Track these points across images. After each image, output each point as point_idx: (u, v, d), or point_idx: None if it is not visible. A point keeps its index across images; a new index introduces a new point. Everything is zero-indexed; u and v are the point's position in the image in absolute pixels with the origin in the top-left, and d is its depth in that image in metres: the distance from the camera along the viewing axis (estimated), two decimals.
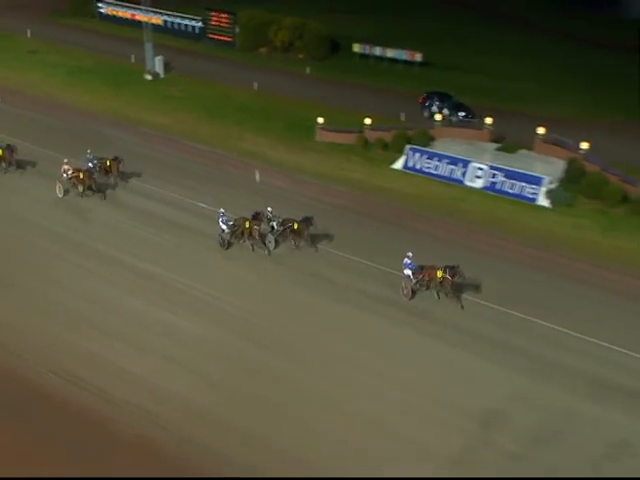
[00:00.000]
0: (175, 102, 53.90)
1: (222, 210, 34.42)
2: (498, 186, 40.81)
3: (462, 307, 30.78)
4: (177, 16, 69.19)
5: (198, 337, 29.07)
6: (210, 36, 67.44)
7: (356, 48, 62.14)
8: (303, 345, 28.77)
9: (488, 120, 45.32)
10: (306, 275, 32.90)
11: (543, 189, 39.57)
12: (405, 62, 59.83)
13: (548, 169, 40.80)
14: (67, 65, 61.16)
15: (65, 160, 38.81)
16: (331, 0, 73.17)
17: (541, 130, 43.31)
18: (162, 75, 58.87)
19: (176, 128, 49.26)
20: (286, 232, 35.01)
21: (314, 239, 34.98)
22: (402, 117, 48.94)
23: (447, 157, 42.87)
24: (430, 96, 50.69)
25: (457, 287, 30.85)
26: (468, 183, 41.72)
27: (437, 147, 44.32)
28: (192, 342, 28.74)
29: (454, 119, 47.53)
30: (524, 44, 61.71)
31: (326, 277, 32.67)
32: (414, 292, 31.31)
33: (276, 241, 34.93)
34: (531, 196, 39.72)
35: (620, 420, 25.54)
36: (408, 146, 44.15)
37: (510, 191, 40.40)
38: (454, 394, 26.35)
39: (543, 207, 39.22)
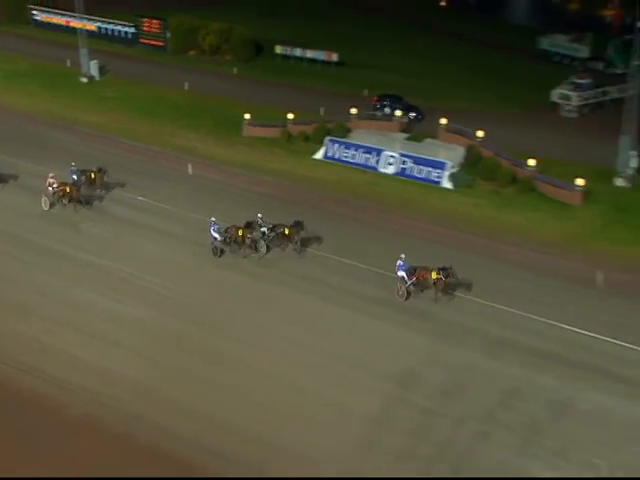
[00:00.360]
0: (110, 103, 53.08)
1: (213, 219, 32.83)
2: (408, 171, 41.60)
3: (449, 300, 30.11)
4: (110, 22, 67.80)
5: (141, 322, 29.08)
6: (142, 41, 66.32)
7: (278, 50, 62.12)
8: (237, 324, 28.95)
9: (398, 113, 46.21)
10: (239, 259, 33.08)
11: (446, 173, 40.52)
12: (323, 62, 60.01)
13: (450, 155, 41.75)
14: (3, 70, 59.41)
15: (50, 174, 36.66)
16: (255, 6, 72.71)
17: (444, 121, 44.31)
18: (97, 78, 57.85)
19: (112, 127, 48.57)
20: (277, 237, 33.63)
21: (304, 242, 33.80)
22: (321, 112, 49.18)
23: (362, 147, 43.42)
24: (382, 98, 49.77)
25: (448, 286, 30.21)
26: (381, 169, 42.34)
27: (353, 138, 44.81)
28: (136, 327, 28.75)
29: (405, 119, 47.25)
30: (429, 46, 62.59)
31: (256, 259, 32.88)
32: (409, 293, 30.33)
33: (267, 246, 33.54)
34: (436, 179, 40.64)
35: (514, 372, 26.43)
36: (327, 138, 44.56)
37: (418, 175, 41.24)
38: (371, 359, 26.90)
39: (447, 189, 40.18)
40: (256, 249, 33.28)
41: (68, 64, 59.88)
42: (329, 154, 44.16)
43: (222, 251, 33.20)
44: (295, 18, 70.11)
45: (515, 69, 55.22)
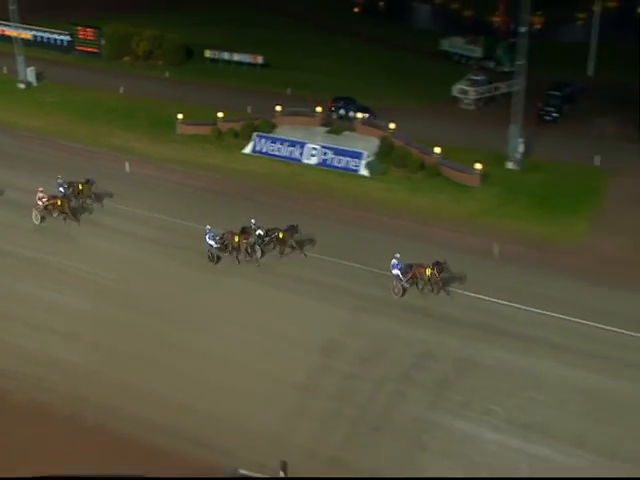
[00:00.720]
0: (48, 107, 51.64)
1: (208, 227, 31.36)
2: (329, 162, 41.86)
3: (450, 296, 29.28)
4: (46, 31, 65.64)
5: (82, 311, 28.62)
6: (78, 48, 64.51)
7: (207, 54, 61.46)
8: (175, 308, 28.73)
9: (319, 109, 46.16)
10: (179, 249, 32.62)
11: (363, 162, 40.93)
12: (249, 64, 59.64)
13: (366, 146, 42.08)
14: None
15: (40, 189, 34.50)
16: (185, 14, 71.82)
17: (360, 115, 44.71)
18: (35, 84, 56.10)
19: (50, 130, 47.35)
20: (272, 241, 32.21)
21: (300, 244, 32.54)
22: (249, 110, 48.95)
23: (287, 140, 43.42)
24: (337, 101, 48.90)
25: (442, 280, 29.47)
26: (305, 161, 42.47)
27: (279, 133, 44.73)
28: (77, 315, 28.32)
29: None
30: (345, 48, 62.74)
31: (198, 249, 32.24)
32: (404, 290, 29.59)
33: (262, 250, 32.07)
34: (354, 168, 41.03)
35: (426, 337, 27.14)
36: (255, 133, 44.37)
37: (338, 165, 41.55)
38: (297, 333, 27.17)
39: (364, 176, 40.57)
40: (250, 254, 31.65)
41: (5, 71, 58.05)
42: (257, 148, 44.03)
43: (218, 257, 31.66)
44: (223, 25, 69.56)
45: (420, 68, 56.05)
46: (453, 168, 39.68)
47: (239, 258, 31.53)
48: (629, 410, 23.80)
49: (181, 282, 30.46)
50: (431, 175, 39.78)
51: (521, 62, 39.73)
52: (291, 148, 43.10)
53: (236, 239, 31.07)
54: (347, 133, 44.39)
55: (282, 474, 20.71)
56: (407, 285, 29.47)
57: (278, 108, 46.21)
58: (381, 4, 75.02)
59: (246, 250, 31.28)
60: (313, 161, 42.28)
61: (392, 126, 42.77)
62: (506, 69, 50.72)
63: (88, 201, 35.92)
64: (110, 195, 36.57)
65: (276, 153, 43.41)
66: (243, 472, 21.47)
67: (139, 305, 28.89)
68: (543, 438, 22.84)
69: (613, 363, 25.74)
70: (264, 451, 22.05)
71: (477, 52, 57.02)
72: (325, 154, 42.03)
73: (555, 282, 29.00)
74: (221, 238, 31.25)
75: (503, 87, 48.32)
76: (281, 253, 32.10)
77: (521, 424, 23.36)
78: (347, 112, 47.30)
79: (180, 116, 46.65)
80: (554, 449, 22.51)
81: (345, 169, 41.17)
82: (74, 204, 35.21)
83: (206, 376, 25.18)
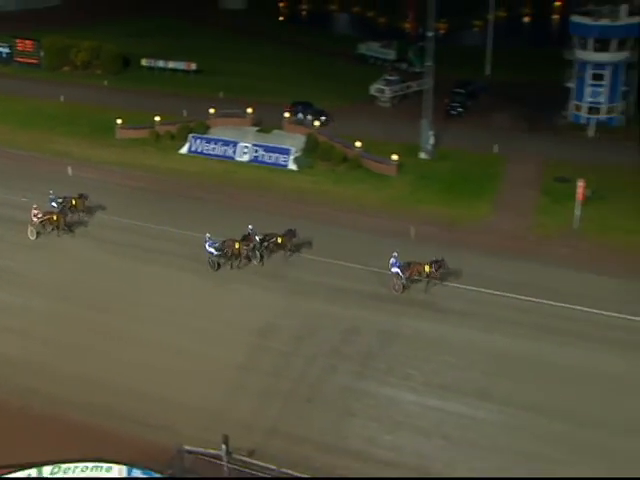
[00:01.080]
0: None
1: (208, 235, 29.89)
2: (260, 158, 41.54)
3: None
4: None
5: (29, 308, 27.73)
6: (17, 59, 61.67)
7: (144, 62, 59.94)
8: (118, 300, 28.14)
9: (249, 110, 45.73)
10: (119, 245, 31.86)
11: (291, 157, 40.78)
12: (183, 71, 58.49)
13: (294, 142, 41.99)
14: None
15: (34, 206, 32.50)
16: (121, 26, 69.95)
17: (287, 114, 44.57)
18: None
19: None
20: (270, 246, 30.73)
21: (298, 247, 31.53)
22: (184, 113, 48.00)
23: (221, 140, 42.88)
24: (295, 105, 47.67)
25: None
26: (238, 158, 41.98)
27: (213, 133, 44.16)
28: (24, 313, 27.42)
29: (316, 122, 45.34)
30: (272, 53, 62.19)
31: (138, 245, 31.81)
32: (404, 287, 28.67)
33: (261, 255, 30.56)
34: (283, 163, 40.83)
35: (353, 314, 27.31)
36: (190, 135, 43.64)
37: (269, 161, 41.26)
38: (236, 317, 26.95)
39: (292, 170, 40.42)
40: (249, 259, 30.31)
41: None
42: (193, 149, 43.33)
43: (219, 265, 30.14)
44: (157, 35, 68.06)
45: (341, 70, 56.13)
46: (372, 160, 39.93)
47: (234, 264, 30.19)
48: (531, 367, 24.53)
49: (124, 276, 29.76)
50: (353, 167, 39.93)
51: (430, 63, 40.34)
52: (224, 147, 42.57)
53: (237, 246, 29.70)
54: (276, 131, 44.16)
55: (224, 447, 20.58)
56: (407, 283, 28.54)
57: (211, 111, 45.57)
58: (304, 13, 74.84)
59: (246, 256, 30.02)
60: (245, 158, 41.83)
61: (317, 124, 42.84)
62: (417, 70, 51.22)
63: (81, 215, 34.07)
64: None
65: (211, 152, 42.79)
66: (188, 448, 21.22)
67: (75, 299, 28.07)
68: (456, 396, 23.42)
69: (516, 326, 26.50)
70: (207, 427, 21.83)
71: (391, 55, 57.46)
72: (256, 151, 41.68)
73: (463, 257, 29.53)
74: (221, 246, 29.75)
75: (414, 86, 48.83)
76: (290, 255, 30.77)
77: (437, 385, 23.88)
78: (305, 115, 46.77)
79: (119, 121, 45.46)
80: (465, 404, 23.13)
81: (275, 164, 40.91)
82: (69, 218, 33.40)
83: (151, 362, 24.76)
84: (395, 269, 28.32)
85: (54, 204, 33.52)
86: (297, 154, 41.09)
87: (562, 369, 24.39)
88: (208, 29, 71.68)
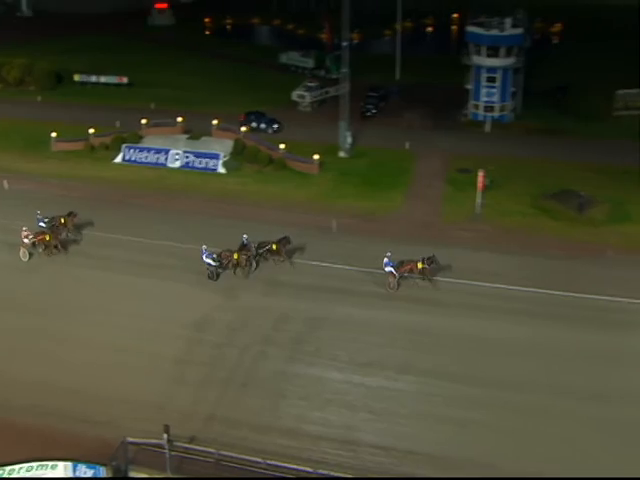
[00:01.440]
0: None
1: (204, 247, 28.36)
2: (191, 164, 40.66)
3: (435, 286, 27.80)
4: None
5: None
6: None
7: (76, 78, 57.53)
8: (53, 304, 27.00)
9: (180, 119, 44.66)
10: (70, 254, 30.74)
11: (220, 161, 40.07)
12: (115, 84, 56.52)
13: (222, 147, 41.30)
14: None
15: (24, 228, 30.31)
16: (54, 43, 67.12)
17: (215, 122, 43.69)
18: None
19: None
20: (264, 253, 29.32)
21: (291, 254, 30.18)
22: (117, 124, 46.48)
23: (153, 149, 41.75)
24: (249, 114, 46.35)
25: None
26: (170, 165, 40.98)
27: (145, 142, 42.95)
28: None
29: (269, 131, 45.11)
30: (200, 65, 60.87)
31: (91, 254, 30.53)
32: (399, 284, 27.97)
33: (257, 263, 29.24)
34: (213, 167, 40.10)
35: (284, 304, 27.11)
36: (124, 145, 42.29)
37: (199, 166, 40.43)
38: (173, 314, 26.29)
39: (222, 173, 39.70)
40: (248, 267, 28.88)
41: None
42: (126, 158, 42.00)
43: (218, 275, 28.65)
44: (90, 52, 65.57)
45: (265, 78, 55.60)
46: (296, 160, 39.71)
47: (239, 272, 28.85)
48: (445, 340, 24.98)
49: (60, 281, 28.64)
50: (278, 168, 39.60)
51: (345, 70, 40.37)
52: (157, 155, 41.47)
53: (235, 256, 28.37)
54: (205, 138, 43.26)
55: (165, 436, 20.05)
56: (400, 280, 27.85)
57: (143, 121, 44.31)
58: (228, 27, 73.81)
59: (245, 264, 28.63)
60: (177, 165, 40.87)
61: (243, 129, 42.29)
62: (334, 76, 51.27)
63: (69, 234, 31.88)
64: None
65: (144, 160, 41.60)
66: (131, 440, 20.59)
67: (29, 308, 26.69)
68: (378, 371, 23.62)
69: (432, 305, 26.90)
70: (148, 419, 21.30)
71: (310, 63, 57.32)
72: (187, 157, 40.78)
73: (380, 245, 29.64)
74: (218, 256, 28.38)
75: (332, 91, 48.86)
76: (291, 261, 29.55)
77: (360, 363, 23.99)
78: (259, 124, 45.77)
79: (54, 135, 43.57)
80: (386, 378, 23.38)
81: (205, 169, 40.11)
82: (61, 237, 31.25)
83: (89, 361, 23.93)
84: (389, 268, 27.63)
85: (42, 224, 31.22)
86: (226, 158, 40.40)
87: (471, 340, 24.93)
88: (138, 45, 69.61)
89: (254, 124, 45.56)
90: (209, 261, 28.34)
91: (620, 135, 42.40)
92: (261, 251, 29.23)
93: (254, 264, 29.23)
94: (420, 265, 27.67)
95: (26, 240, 30.20)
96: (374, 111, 47.65)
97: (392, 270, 27.70)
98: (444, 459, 20.25)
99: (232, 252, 28.47)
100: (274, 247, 29.23)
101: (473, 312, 26.31)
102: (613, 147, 40.89)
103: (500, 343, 24.71)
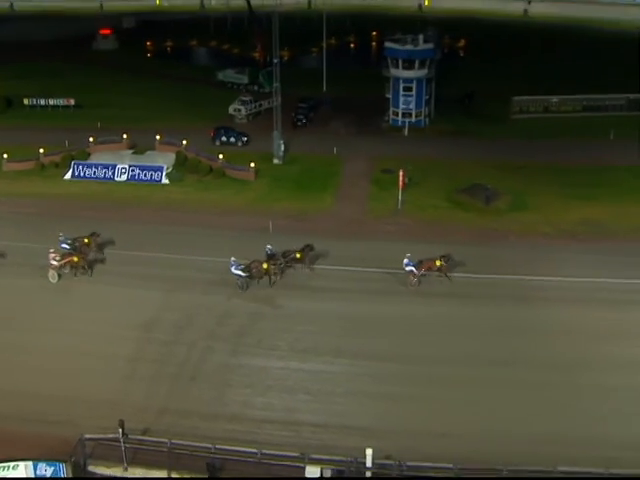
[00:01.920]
0: None
1: (233, 259, 26.99)
2: (137, 177, 39.47)
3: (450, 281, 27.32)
4: None
5: None
6: None
7: (26, 102, 54.68)
8: (14, 316, 25.72)
9: (125, 136, 43.38)
10: (14, 266, 28.87)
11: (164, 173, 39.14)
12: (64, 106, 54.24)
13: (165, 160, 40.37)
14: None
15: (51, 250, 28.34)
16: (2, 70, 63.67)
17: (158, 137, 42.66)
18: None
19: None
20: (290, 262, 27.94)
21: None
22: (66, 144, 44.48)
23: (100, 164, 40.32)
24: (218, 129, 44.62)
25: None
26: (117, 179, 39.67)
27: (93, 159, 41.50)
28: None
29: (239, 143, 43.47)
30: (143, 86, 58.82)
31: (28, 263, 28.87)
32: (419, 282, 27.40)
33: (282, 271, 27.75)
34: (157, 179, 39.09)
35: (224, 301, 26.66)
36: (73, 162, 40.70)
37: (145, 178, 39.32)
38: (122, 317, 25.59)
39: (166, 184, 38.70)
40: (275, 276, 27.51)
41: None
42: (76, 174, 40.39)
43: (248, 285, 27.20)
44: (38, 77, 62.72)
45: (203, 95, 54.49)
46: (234, 169, 39.18)
47: (269, 281, 27.52)
48: (373, 325, 25.24)
49: (19, 294, 27.31)
50: (218, 176, 38.97)
51: (277, 84, 40.16)
52: (104, 170, 40.09)
53: (265, 266, 26.95)
54: (149, 152, 42.11)
55: (120, 430, 19.52)
56: (421, 278, 27.36)
57: (91, 139, 42.74)
58: (169, 49, 72.19)
59: (273, 273, 27.26)
60: (123, 178, 39.64)
61: (184, 142, 41.43)
62: (267, 90, 50.86)
63: (93, 253, 29.85)
64: None
65: (92, 176, 40.13)
66: (88, 436, 19.94)
67: None
68: (314, 357, 23.67)
69: (359, 293, 27.03)
70: (104, 416, 20.60)
71: (244, 79, 56.54)
72: (133, 171, 39.61)
73: (313, 242, 29.52)
74: (247, 267, 26.91)
75: (266, 104, 48.52)
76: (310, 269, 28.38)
77: (298, 350, 23.98)
78: (228, 138, 44.26)
79: (5, 156, 41.47)
80: (322, 362, 23.46)
81: (150, 181, 39.08)
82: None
83: (46, 365, 23.01)
84: (409, 267, 27.17)
85: (65, 245, 29.26)
86: (169, 170, 39.48)
87: (396, 322, 25.29)
88: (84, 68, 67.14)
89: (224, 138, 44.51)
90: (239, 272, 26.84)
91: (517, 135, 43.96)
92: (286, 259, 27.96)
93: (278, 272, 27.74)
94: (438, 263, 27.25)
95: (54, 262, 28.13)
96: (304, 121, 47.61)
97: (413, 269, 27.23)
98: (374, 430, 20.47)
99: (261, 262, 27.10)
100: (298, 255, 28.06)
101: (397, 297, 26.73)
102: (512, 146, 42.34)
103: (422, 322, 25.19)
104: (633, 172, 37.80)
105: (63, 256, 28.52)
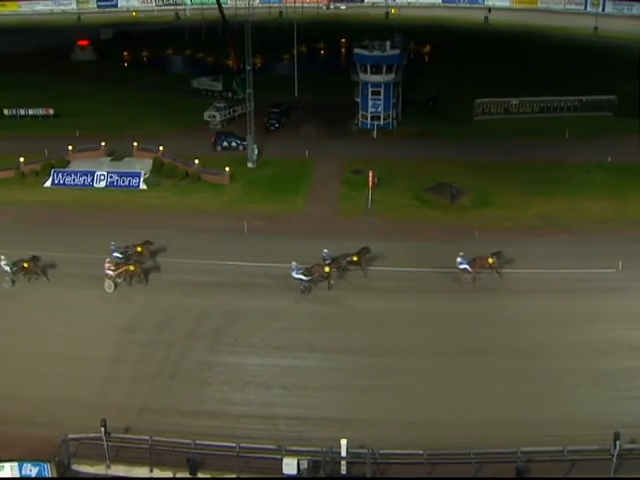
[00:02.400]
0: None
1: (294, 263, 26.28)
2: (115, 183, 38.74)
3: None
4: None
5: None
6: None
7: (6, 112, 52.94)
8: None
9: (103, 143, 42.56)
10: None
11: (142, 179, 38.56)
12: (43, 116, 52.78)
13: (143, 166, 39.71)
14: None
15: (107, 260, 27.51)
16: None
17: (135, 144, 41.99)
18: None
19: None
20: (347, 264, 27.18)
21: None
22: (46, 152, 43.39)
23: (80, 172, 39.47)
24: (219, 135, 43.85)
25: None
26: (96, 185, 38.87)
27: (73, 166, 40.62)
28: None
29: (241, 147, 42.26)
30: (122, 94, 57.59)
31: None
32: (474, 279, 26.99)
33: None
34: (135, 185, 38.38)
35: (203, 301, 26.45)
36: (53, 170, 39.87)
37: (123, 184, 38.61)
38: (102, 320, 25.20)
39: (143, 190, 38.04)
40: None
41: None
42: (55, 182, 39.49)
43: (310, 289, 26.54)
44: (17, 88, 61.13)
45: (179, 102, 53.67)
46: (209, 173, 38.75)
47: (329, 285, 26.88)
48: (345, 320, 25.34)
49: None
50: (194, 181, 38.49)
51: (250, 91, 39.81)
52: (83, 177, 39.32)
53: (327, 269, 26.29)
54: (127, 159, 41.44)
55: (102, 429, 19.25)
56: (476, 275, 27.04)
57: (70, 147, 41.87)
58: (145, 59, 71.20)
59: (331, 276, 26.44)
60: (102, 184, 38.92)
61: (161, 148, 40.86)
62: (240, 97, 50.21)
63: (147, 261, 28.87)
64: None
65: (72, 183, 39.28)
66: (71, 436, 19.62)
67: None
68: (288, 352, 23.63)
69: (332, 290, 27.00)
70: (86, 416, 20.31)
71: (219, 86, 55.83)
72: (111, 177, 38.93)
73: (285, 242, 29.61)
74: (308, 271, 26.21)
75: (239, 110, 48.08)
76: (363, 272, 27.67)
77: (274, 347, 23.90)
78: (229, 143, 43.50)
79: None
80: (296, 357, 23.45)
81: (128, 187, 38.44)
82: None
83: (28, 369, 22.55)
84: (463, 265, 26.91)
85: (117, 254, 28.16)
86: (146, 175, 38.89)
87: (366, 317, 25.36)
88: (63, 79, 65.87)
89: (225, 143, 43.79)
90: (300, 276, 26.20)
91: (480, 136, 44.37)
92: (344, 263, 27.39)
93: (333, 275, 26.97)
94: (491, 260, 26.92)
95: (110, 272, 27.19)
96: (277, 125, 47.31)
97: (467, 267, 26.96)
98: (348, 421, 20.51)
99: (323, 265, 26.53)
100: (355, 258, 27.44)
101: (367, 293, 26.79)
102: (475, 146, 42.73)
103: (391, 317, 25.28)
104: (585, 168, 38.55)
105: (118, 265, 27.46)
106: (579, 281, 27.22)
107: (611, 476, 18.31)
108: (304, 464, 18.58)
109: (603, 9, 77.58)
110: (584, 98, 47.55)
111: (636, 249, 29.25)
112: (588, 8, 79.00)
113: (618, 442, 18.02)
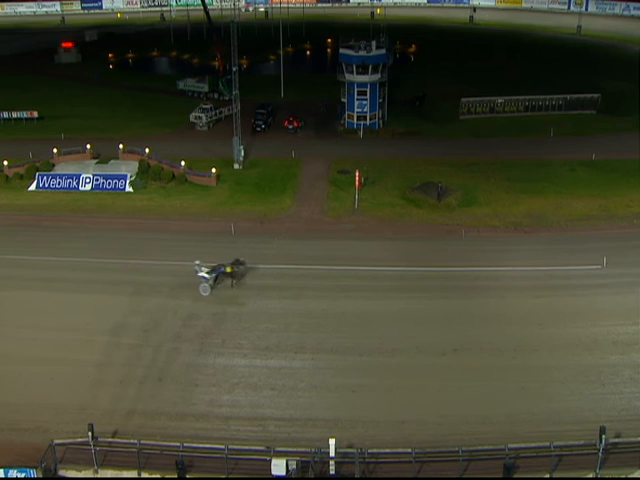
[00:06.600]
0: None
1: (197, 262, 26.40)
2: (101, 186, 38.46)
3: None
4: None
5: None
6: None
7: None
8: None
9: (89, 146, 42.18)
10: None
11: (128, 181, 38.30)
12: (27, 119, 52.35)
13: (129, 169, 39.46)
14: None
15: (196, 262, 26.90)
16: None
17: (121, 146, 41.64)
18: None
19: None
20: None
21: None
22: (30, 155, 43.05)
23: (65, 175, 39.11)
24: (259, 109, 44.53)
25: None
26: (81, 188, 38.55)
27: (58, 170, 40.21)
28: None
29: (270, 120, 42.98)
30: (105, 96, 57.30)
31: (10, 275, 28.24)
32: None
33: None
34: (121, 187, 38.17)
35: (189, 304, 26.36)
36: (37, 173, 39.41)
37: (109, 187, 38.35)
38: (89, 324, 24.98)
39: (130, 192, 37.81)
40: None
41: None
42: (40, 185, 39.11)
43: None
44: (0, 90, 60.69)
45: (165, 104, 53.63)
46: (196, 175, 38.61)
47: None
48: (332, 320, 25.26)
49: None
50: (180, 183, 38.31)
51: (236, 92, 39.66)
52: (69, 180, 38.95)
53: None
54: (113, 161, 41.12)
55: (90, 434, 19.08)
56: None
57: (55, 150, 41.40)
58: (130, 60, 70.79)
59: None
60: (88, 187, 38.61)
61: (147, 150, 40.52)
62: (226, 98, 50.34)
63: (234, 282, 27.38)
64: None
65: (57, 186, 38.92)
66: (58, 441, 19.42)
67: None
68: (276, 353, 23.52)
69: (318, 290, 26.94)
70: (74, 421, 20.28)
71: (205, 88, 55.70)
72: (97, 180, 38.63)
73: (274, 243, 29.51)
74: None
75: (226, 111, 47.99)
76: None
77: (262, 348, 23.79)
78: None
79: None
80: (284, 358, 23.33)
81: (114, 189, 38.19)
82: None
83: (14, 374, 22.33)
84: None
85: (202, 274, 26.68)
86: (132, 178, 38.63)
87: (353, 317, 25.33)
88: (47, 81, 65.27)
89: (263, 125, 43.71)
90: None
91: (466, 135, 44.66)
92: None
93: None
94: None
95: (206, 275, 26.52)
96: (263, 126, 47.23)
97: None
98: (336, 421, 20.51)
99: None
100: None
101: (354, 293, 26.77)
102: (461, 144, 43.00)
103: (377, 316, 25.30)
104: (570, 166, 38.90)
105: (214, 268, 26.65)
106: (564, 278, 27.46)
107: (597, 471, 18.45)
108: (293, 465, 18.54)
109: (586, 8, 78.57)
110: (568, 96, 48.02)
111: (620, 245, 29.59)
112: (572, 7, 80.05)
113: (604, 437, 18.21)
